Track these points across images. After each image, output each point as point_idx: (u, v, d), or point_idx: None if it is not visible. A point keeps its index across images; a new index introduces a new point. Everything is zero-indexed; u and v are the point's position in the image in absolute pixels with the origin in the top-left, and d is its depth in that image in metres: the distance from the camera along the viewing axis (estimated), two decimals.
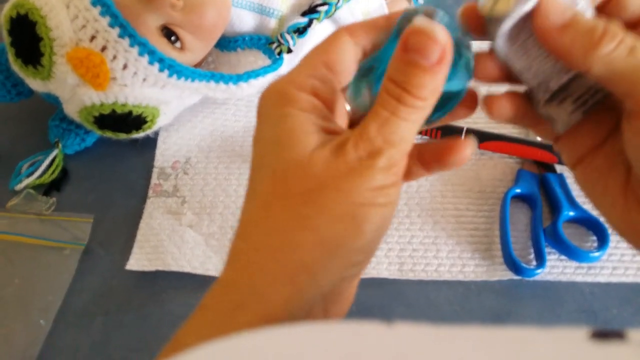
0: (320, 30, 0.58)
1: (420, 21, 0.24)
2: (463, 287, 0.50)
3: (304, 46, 0.58)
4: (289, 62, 0.58)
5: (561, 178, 0.53)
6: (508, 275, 0.49)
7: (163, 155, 0.57)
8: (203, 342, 0.22)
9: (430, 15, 0.26)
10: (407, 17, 0.27)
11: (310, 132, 0.26)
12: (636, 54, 0.24)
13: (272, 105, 0.26)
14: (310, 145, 0.25)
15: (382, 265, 0.51)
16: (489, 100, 0.29)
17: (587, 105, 0.28)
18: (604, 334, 0.17)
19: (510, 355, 0.16)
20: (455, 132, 0.56)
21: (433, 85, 0.24)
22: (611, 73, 0.24)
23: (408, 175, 0.29)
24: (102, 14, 0.46)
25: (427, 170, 0.29)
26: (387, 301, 0.49)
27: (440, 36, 0.23)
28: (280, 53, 0.56)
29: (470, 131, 0.56)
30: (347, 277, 0.26)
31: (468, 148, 0.28)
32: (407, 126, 0.25)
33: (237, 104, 0.61)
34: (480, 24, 0.28)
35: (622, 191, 0.27)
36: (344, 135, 0.26)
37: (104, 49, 0.47)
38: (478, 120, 0.58)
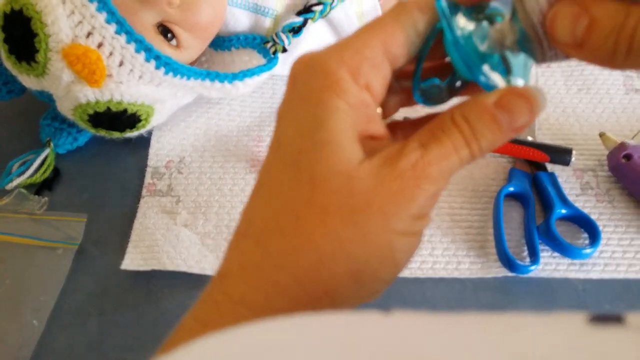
0: (315, 30, 0.58)
1: (529, 88, 0.22)
2: (459, 284, 0.50)
3: (298, 46, 0.58)
4: (283, 62, 0.58)
5: (553, 177, 0.54)
6: (503, 272, 0.50)
7: (157, 154, 0.57)
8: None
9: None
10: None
11: (356, 137, 0.23)
12: None
13: (315, 84, 0.23)
14: (358, 154, 0.23)
15: None
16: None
17: None
18: (602, 318, 0.17)
19: (509, 341, 0.16)
20: None
21: (497, 144, 0.24)
22: None
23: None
24: (99, 10, 0.46)
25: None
26: (383, 299, 0.49)
27: (538, 106, 0.22)
28: (275, 52, 0.57)
29: None
30: (365, 302, 0.25)
31: None
32: (457, 166, 0.24)
33: (231, 104, 0.61)
34: None
35: None
36: (393, 146, 0.24)
37: (100, 45, 0.47)
38: None
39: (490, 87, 0.24)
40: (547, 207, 0.52)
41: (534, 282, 0.50)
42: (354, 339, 0.17)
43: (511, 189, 0.53)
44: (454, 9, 0.24)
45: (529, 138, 0.56)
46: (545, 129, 0.58)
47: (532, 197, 0.53)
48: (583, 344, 0.16)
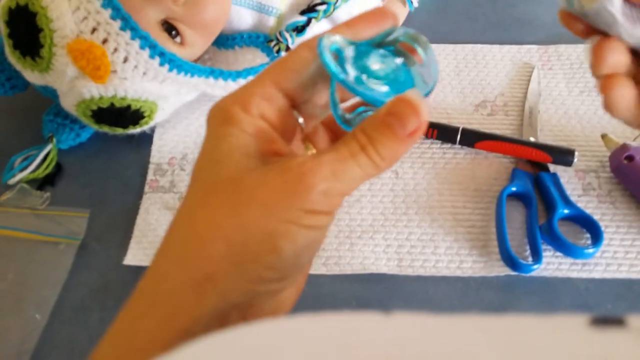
0: (318, 30, 0.59)
1: (413, 93, 0.25)
2: (461, 282, 0.50)
3: None
4: None
5: (555, 177, 0.54)
6: (505, 271, 0.50)
7: (159, 151, 0.57)
8: (114, 351, 0.24)
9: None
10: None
11: (250, 154, 0.26)
12: None
13: (215, 123, 0.27)
14: (248, 165, 0.26)
15: (381, 260, 0.51)
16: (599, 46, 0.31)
17: None
18: (603, 321, 0.17)
19: (509, 342, 0.16)
20: (451, 132, 0.57)
21: (397, 151, 0.26)
22: None
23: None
24: (104, 6, 0.46)
25: None
26: (386, 296, 0.50)
27: (423, 112, 0.25)
28: (278, 51, 0.57)
29: (466, 131, 0.56)
30: (262, 293, 0.26)
31: None
32: (358, 172, 0.26)
33: None
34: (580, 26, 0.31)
35: None
36: (290, 157, 0.26)
37: (105, 41, 0.47)
38: (473, 120, 0.59)
39: (380, 102, 0.27)
40: (549, 207, 0.53)
41: (537, 282, 0.50)
42: (353, 340, 0.17)
43: (514, 188, 0.53)
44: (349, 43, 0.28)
45: (532, 139, 0.57)
46: (548, 130, 0.58)
47: (535, 197, 0.53)
48: (584, 346, 0.16)
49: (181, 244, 0.26)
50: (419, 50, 0.29)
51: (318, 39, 0.27)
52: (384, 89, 0.27)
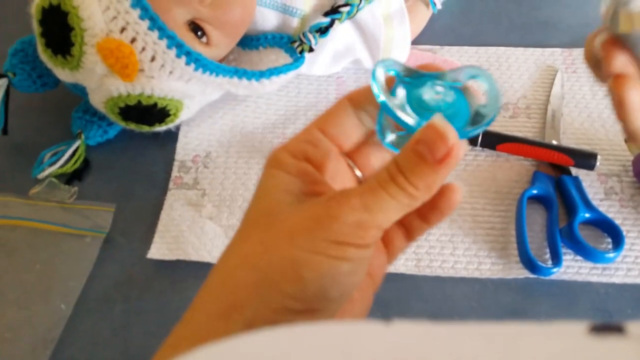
0: (341, 31, 0.59)
1: (438, 119, 0.25)
2: (480, 284, 0.50)
3: (325, 46, 0.59)
4: (310, 61, 0.59)
5: (577, 181, 0.54)
6: (524, 273, 0.50)
7: (184, 149, 0.58)
8: None
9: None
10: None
11: (292, 192, 0.27)
12: None
13: (266, 167, 0.29)
14: (287, 200, 0.27)
15: (399, 260, 0.51)
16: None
17: None
18: (603, 328, 0.17)
19: (508, 351, 0.16)
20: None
21: (430, 179, 0.25)
22: None
23: (411, 235, 0.32)
24: (133, 6, 0.47)
25: (426, 222, 0.31)
26: (404, 296, 0.50)
27: (451, 137, 0.24)
28: (302, 52, 0.58)
29: (487, 133, 0.56)
30: (287, 322, 0.25)
31: (458, 193, 0.30)
32: (391, 203, 0.25)
33: (257, 101, 0.62)
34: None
35: None
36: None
37: (133, 40, 0.48)
38: (494, 122, 0.59)
39: (413, 129, 0.27)
40: (570, 210, 0.52)
41: (556, 285, 0.50)
42: (354, 348, 0.17)
43: (534, 191, 0.53)
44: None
45: (554, 142, 0.56)
46: (570, 133, 0.58)
47: (556, 200, 0.53)
48: (583, 354, 0.16)
49: (217, 275, 0.26)
50: (480, 82, 0.29)
51: (377, 61, 0.28)
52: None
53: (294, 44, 0.58)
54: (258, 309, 0.24)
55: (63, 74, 0.51)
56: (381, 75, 0.28)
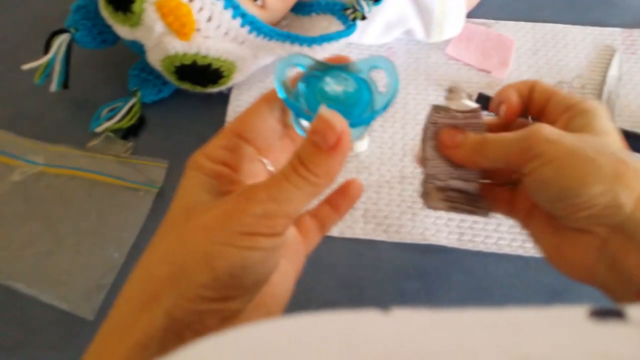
0: (395, 0, 0.59)
1: (324, 110, 0.27)
2: (523, 262, 0.50)
3: (377, 14, 0.59)
4: (361, 30, 0.59)
5: None
6: None
7: (234, 111, 0.59)
8: None
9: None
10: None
11: (208, 191, 0.29)
12: (503, 147, 0.34)
13: (186, 169, 0.31)
14: (204, 198, 0.29)
15: (442, 233, 0.51)
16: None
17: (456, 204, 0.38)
18: (602, 313, 0.17)
19: (507, 337, 0.16)
20: None
21: (328, 166, 0.27)
22: (496, 163, 0.35)
23: (325, 225, 0.36)
24: None
25: (337, 212, 0.36)
26: (445, 268, 0.50)
27: (337, 125, 0.27)
28: (354, 19, 0.57)
29: None
30: (207, 312, 0.27)
31: (359, 187, 0.36)
32: (296, 193, 0.27)
33: None
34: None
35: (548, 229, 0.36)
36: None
37: (191, 0, 0.49)
38: None
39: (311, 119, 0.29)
40: None
41: None
42: (353, 338, 0.17)
43: None
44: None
45: None
46: (626, 116, 0.57)
47: None
48: (583, 338, 0.16)
49: (138, 271, 0.29)
50: (382, 71, 0.31)
51: (278, 61, 0.31)
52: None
53: (346, 11, 0.58)
54: (175, 299, 0.26)
55: (123, 31, 0.53)
56: (282, 72, 0.30)
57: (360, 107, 0.30)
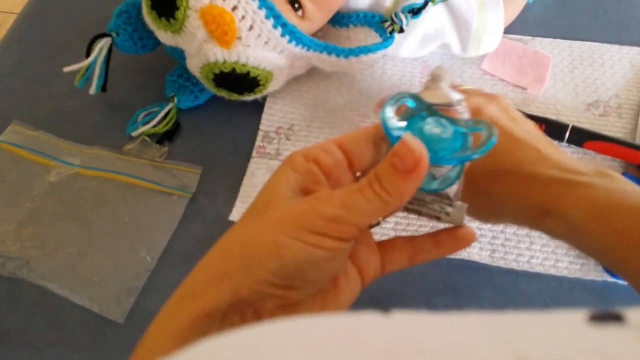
0: (433, 14, 0.59)
1: (407, 136, 0.29)
2: (555, 281, 0.49)
3: (415, 27, 0.59)
4: (398, 43, 0.59)
5: None
6: (602, 276, 0.49)
7: (268, 120, 0.59)
8: (157, 326, 0.30)
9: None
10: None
11: (293, 188, 0.32)
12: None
13: (280, 165, 0.33)
14: (287, 194, 0.31)
15: (474, 249, 0.51)
16: None
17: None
18: (602, 316, 0.17)
19: (506, 340, 0.16)
20: (560, 128, 0.55)
21: (400, 186, 0.29)
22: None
23: (417, 256, 0.37)
24: None
25: (438, 249, 0.37)
26: (476, 285, 0.50)
27: (417, 151, 0.28)
28: (392, 32, 0.57)
29: (575, 129, 0.55)
30: (269, 295, 0.30)
31: (472, 238, 0.37)
32: (366, 205, 0.29)
33: (341, 79, 0.62)
34: None
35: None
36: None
37: (234, 8, 0.49)
38: (583, 119, 0.58)
39: None
40: None
41: (634, 291, 0.48)
42: (352, 339, 0.17)
43: None
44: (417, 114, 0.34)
45: None
46: None
47: None
48: (582, 342, 0.16)
49: (215, 249, 0.32)
50: (484, 135, 0.32)
51: (390, 96, 0.33)
52: None
53: (384, 24, 0.58)
54: (243, 278, 0.29)
55: (165, 37, 0.53)
56: (391, 106, 0.33)
57: (448, 150, 0.32)
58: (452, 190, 0.35)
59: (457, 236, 0.37)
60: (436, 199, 0.35)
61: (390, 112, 0.33)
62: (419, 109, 0.34)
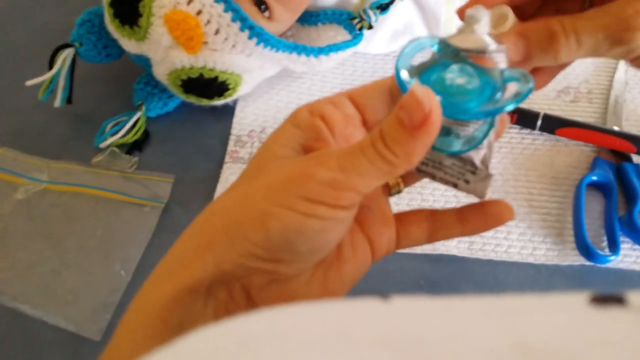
0: (401, 9, 0.59)
1: (415, 85, 0.24)
2: (533, 269, 0.50)
3: (384, 23, 0.58)
4: (367, 39, 0.59)
5: (638, 168, 0.52)
6: (580, 260, 0.49)
7: (240, 123, 0.59)
8: (139, 301, 0.28)
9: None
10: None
11: (290, 145, 0.28)
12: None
13: (284, 122, 0.30)
14: (279, 154, 0.28)
15: (452, 242, 0.51)
16: None
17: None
18: (603, 299, 0.16)
19: (507, 323, 0.16)
20: (531, 117, 0.56)
21: (408, 146, 0.25)
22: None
23: (438, 232, 0.32)
24: None
25: (463, 226, 0.32)
26: (455, 278, 0.50)
27: (427, 103, 0.24)
28: (361, 29, 0.57)
29: (546, 117, 0.55)
30: (255, 270, 0.27)
31: (510, 212, 0.31)
32: (368, 168, 0.25)
33: (313, 79, 0.62)
34: None
35: None
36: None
37: (199, 12, 0.49)
38: (554, 106, 0.58)
39: None
40: (630, 198, 0.51)
41: (612, 273, 0.49)
42: (353, 326, 0.17)
43: (594, 178, 0.52)
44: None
45: (615, 128, 0.55)
46: (633, 120, 0.57)
47: (616, 187, 0.52)
48: (584, 325, 0.16)
49: (201, 218, 0.29)
50: (519, 84, 0.27)
51: (408, 41, 0.29)
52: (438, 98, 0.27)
53: (353, 21, 0.58)
54: (226, 251, 0.26)
55: (129, 45, 0.52)
56: (408, 54, 0.28)
57: (473, 104, 0.27)
58: (479, 154, 0.29)
59: (487, 213, 0.31)
60: (457, 163, 0.29)
61: (405, 59, 0.28)
62: (444, 56, 0.28)
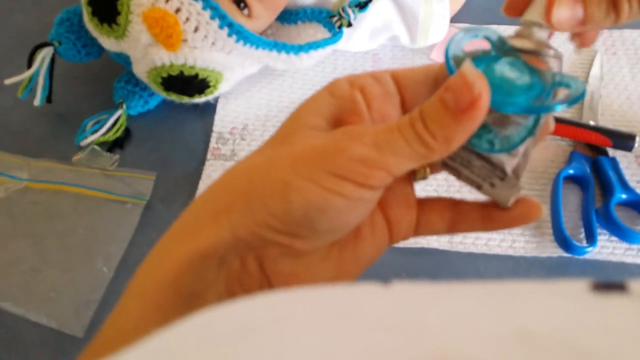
0: (380, 7, 0.59)
1: (467, 66, 0.23)
2: (513, 261, 0.50)
3: (363, 21, 0.59)
4: (347, 37, 0.59)
5: (614, 162, 0.53)
6: (558, 252, 0.50)
7: (222, 121, 0.59)
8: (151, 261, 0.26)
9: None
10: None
11: (322, 114, 0.27)
12: None
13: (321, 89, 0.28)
14: (312, 123, 0.26)
15: (432, 235, 0.51)
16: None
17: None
18: (604, 286, 0.16)
19: (508, 309, 0.16)
20: None
21: (449, 130, 0.23)
22: None
23: (457, 224, 0.29)
24: None
25: (485, 222, 0.29)
26: (436, 270, 0.50)
27: (477, 86, 0.22)
28: (340, 27, 0.58)
29: None
30: (271, 241, 0.25)
31: (538, 210, 0.28)
32: (404, 148, 0.24)
33: (294, 76, 0.62)
34: None
35: None
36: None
37: (178, 10, 0.49)
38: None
39: None
40: (607, 191, 0.52)
41: (589, 264, 0.49)
42: (352, 310, 0.16)
43: (571, 171, 0.53)
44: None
45: (592, 122, 0.56)
46: (609, 115, 0.58)
47: (592, 180, 0.53)
48: (585, 311, 0.16)
49: (223, 178, 0.27)
50: (570, 89, 0.26)
51: (461, 30, 0.28)
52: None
53: (332, 19, 0.58)
54: (243, 217, 0.25)
55: (108, 43, 0.52)
56: (459, 42, 0.27)
57: (523, 97, 0.25)
58: (512, 162, 0.27)
59: (514, 213, 0.29)
60: (486, 166, 0.28)
61: (457, 45, 0.27)
62: (497, 50, 0.27)
